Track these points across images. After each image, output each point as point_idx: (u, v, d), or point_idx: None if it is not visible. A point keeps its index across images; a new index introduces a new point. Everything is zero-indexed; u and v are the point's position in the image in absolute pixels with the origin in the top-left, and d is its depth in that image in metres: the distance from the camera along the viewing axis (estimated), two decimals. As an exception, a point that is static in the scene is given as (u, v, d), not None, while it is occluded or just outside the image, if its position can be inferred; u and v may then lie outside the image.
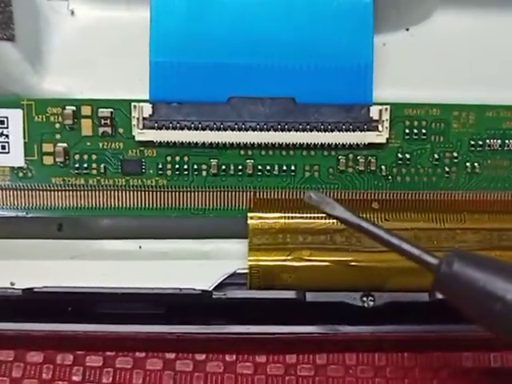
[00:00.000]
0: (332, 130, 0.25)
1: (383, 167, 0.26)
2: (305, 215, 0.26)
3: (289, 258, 0.25)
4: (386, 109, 0.25)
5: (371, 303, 0.24)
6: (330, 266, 0.25)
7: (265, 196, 0.26)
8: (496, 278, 0.19)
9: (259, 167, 0.26)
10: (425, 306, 0.25)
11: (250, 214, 0.25)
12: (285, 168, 0.26)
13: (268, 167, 0.26)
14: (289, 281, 0.25)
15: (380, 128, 0.25)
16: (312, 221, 0.25)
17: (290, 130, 0.25)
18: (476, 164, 0.26)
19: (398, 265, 0.24)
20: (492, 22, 0.27)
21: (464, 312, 0.20)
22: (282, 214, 0.26)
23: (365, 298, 0.24)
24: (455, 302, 0.20)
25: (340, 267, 0.25)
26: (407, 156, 0.26)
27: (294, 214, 0.26)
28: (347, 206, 0.22)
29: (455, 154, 0.26)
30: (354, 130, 0.25)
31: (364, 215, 0.24)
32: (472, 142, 0.26)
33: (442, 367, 0.26)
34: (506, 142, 0.26)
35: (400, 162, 0.26)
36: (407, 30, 0.27)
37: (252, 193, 0.26)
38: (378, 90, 0.26)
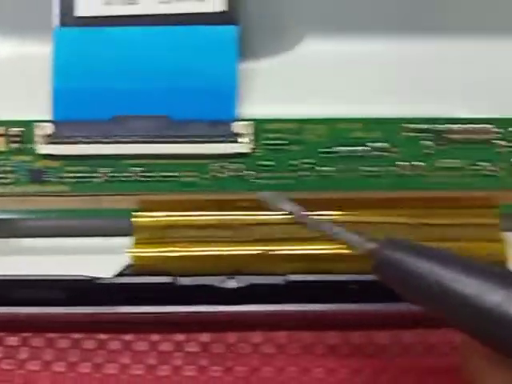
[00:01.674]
0: (202, 143, 0.31)
1: (250, 172, 0.32)
2: (184, 213, 0.32)
3: (166, 249, 0.31)
4: (249, 124, 0.31)
5: (235, 285, 0.31)
6: (201, 256, 0.31)
7: (150, 198, 0.32)
8: (429, 261, 0.23)
9: (144, 174, 0.32)
10: (280, 288, 0.30)
11: (134, 214, 0.32)
12: (166, 174, 0.32)
13: (151, 174, 0.32)
14: (164, 267, 0.31)
15: (244, 140, 0.31)
16: (189, 218, 0.32)
17: (165, 143, 0.31)
18: (329, 168, 0.32)
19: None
20: (352, 48, 0.34)
21: (401, 293, 0.24)
22: (165, 213, 0.32)
23: (229, 280, 0.31)
24: (391, 284, 0.24)
25: (209, 256, 0.31)
26: (269, 163, 0.32)
27: (174, 213, 0.32)
28: (294, 203, 0.28)
29: (310, 161, 0.32)
30: (220, 142, 0.31)
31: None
32: (325, 150, 0.32)
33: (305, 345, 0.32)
34: (354, 149, 0.32)
35: (264, 168, 0.32)
36: (276, 55, 0.34)
37: (139, 195, 0.32)
38: (247, 107, 0.32)
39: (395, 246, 0.24)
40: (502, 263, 0.30)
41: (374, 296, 0.30)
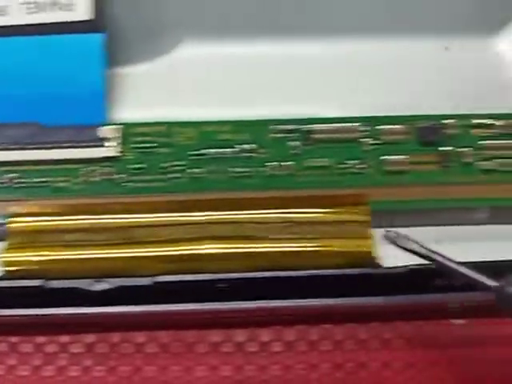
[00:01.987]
0: (72, 147, 0.33)
1: (121, 176, 0.33)
2: (57, 218, 0.33)
3: (37, 253, 0.32)
4: (116, 128, 0.33)
5: (101, 287, 0.32)
6: (70, 259, 0.32)
7: (24, 204, 0.33)
8: None
9: (17, 180, 0.33)
10: (148, 289, 0.32)
11: (8, 220, 0.33)
12: (38, 180, 0.33)
13: (25, 180, 0.33)
14: (37, 272, 0.32)
15: (111, 144, 0.33)
16: (61, 222, 0.33)
17: (37, 149, 0.33)
18: (199, 170, 0.34)
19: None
20: (224, 52, 0.35)
21: None
22: (37, 218, 0.33)
23: (97, 283, 0.32)
24: None
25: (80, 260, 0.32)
26: (140, 166, 0.33)
27: (47, 218, 0.33)
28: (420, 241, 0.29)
29: (181, 163, 0.33)
30: (89, 147, 0.33)
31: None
32: (193, 152, 0.33)
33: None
34: (223, 150, 0.34)
35: (134, 171, 0.33)
36: (156, 60, 0.35)
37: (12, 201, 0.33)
38: (118, 112, 0.34)
39: None
40: (372, 259, 0.32)
41: (244, 294, 0.32)
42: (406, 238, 0.29)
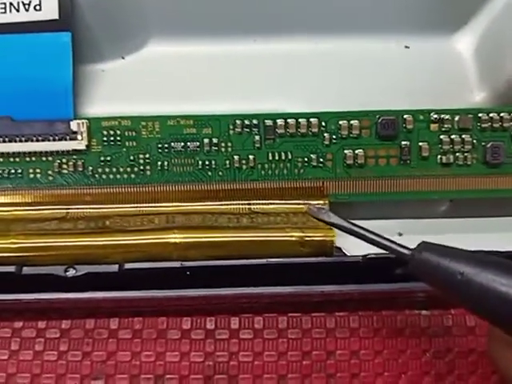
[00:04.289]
0: (43, 141, 0.37)
1: (90, 168, 0.38)
2: (32, 208, 0.37)
3: (8, 241, 0.36)
4: (83, 122, 0.37)
5: (73, 273, 0.36)
6: (43, 247, 0.36)
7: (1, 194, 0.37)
8: (456, 259, 0.29)
9: (-9, 172, 0.36)
10: (116, 275, 0.35)
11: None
12: (13, 171, 0.37)
13: (-1, 171, 0.37)
14: (9, 259, 0.35)
15: (79, 137, 0.37)
16: (37, 212, 0.37)
17: (10, 141, 0.37)
18: (165, 162, 0.38)
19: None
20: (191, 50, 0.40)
21: (433, 287, 0.30)
22: (10, 208, 0.37)
23: (69, 270, 0.36)
24: (426, 280, 0.30)
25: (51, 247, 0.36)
26: (108, 159, 0.38)
27: (19, 208, 0.37)
28: (340, 215, 0.33)
29: (147, 156, 0.38)
30: (59, 140, 0.37)
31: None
32: (159, 145, 0.38)
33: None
34: (188, 144, 0.38)
35: (102, 163, 0.38)
36: (123, 58, 0.40)
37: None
38: (86, 107, 0.38)
39: (429, 248, 0.30)
40: (331, 249, 0.36)
41: (210, 282, 0.35)
42: (328, 211, 0.33)
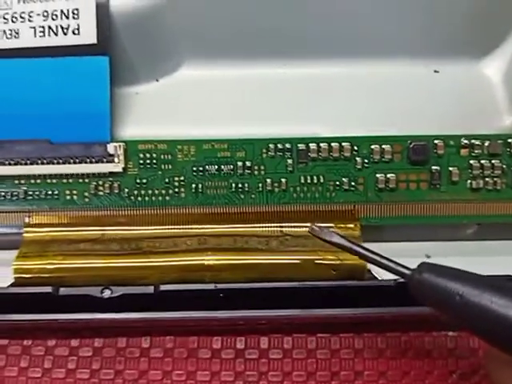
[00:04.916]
0: (80, 163, 0.38)
1: (126, 190, 0.39)
2: (68, 229, 0.38)
3: (46, 262, 0.37)
4: (120, 145, 0.38)
5: (108, 294, 0.37)
6: (79, 268, 0.37)
7: (36, 215, 0.38)
8: (455, 281, 0.29)
9: (30, 193, 0.38)
10: (151, 297, 0.37)
11: (22, 230, 0.38)
12: (50, 193, 0.38)
13: (37, 193, 0.38)
14: (46, 280, 0.37)
15: (116, 160, 0.38)
16: (73, 233, 0.38)
17: (47, 164, 0.38)
18: (200, 185, 0.39)
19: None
20: (226, 74, 0.41)
21: (432, 307, 0.30)
22: (49, 229, 0.38)
23: (105, 291, 0.37)
24: (425, 301, 0.30)
25: (88, 268, 0.37)
26: (144, 181, 0.39)
27: (59, 228, 0.38)
28: (341, 234, 0.33)
29: (182, 178, 0.39)
30: (96, 162, 0.38)
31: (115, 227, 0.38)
32: (194, 168, 0.39)
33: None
34: (222, 167, 0.39)
35: (138, 185, 0.39)
36: (157, 80, 0.41)
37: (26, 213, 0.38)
38: (122, 130, 0.39)
39: (429, 269, 0.30)
40: (363, 273, 0.36)
41: (243, 304, 0.36)
42: (330, 231, 0.33)
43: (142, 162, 0.38)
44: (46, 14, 0.38)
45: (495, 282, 0.29)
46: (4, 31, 0.38)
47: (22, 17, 0.38)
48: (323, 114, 0.40)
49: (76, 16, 0.37)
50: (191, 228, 0.38)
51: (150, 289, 0.36)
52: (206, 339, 0.38)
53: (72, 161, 0.37)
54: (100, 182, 0.38)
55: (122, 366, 0.37)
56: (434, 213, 0.39)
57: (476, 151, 0.39)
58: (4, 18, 0.38)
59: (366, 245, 0.35)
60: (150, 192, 0.38)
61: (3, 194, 0.38)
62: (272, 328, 0.37)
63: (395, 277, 0.34)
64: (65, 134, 0.37)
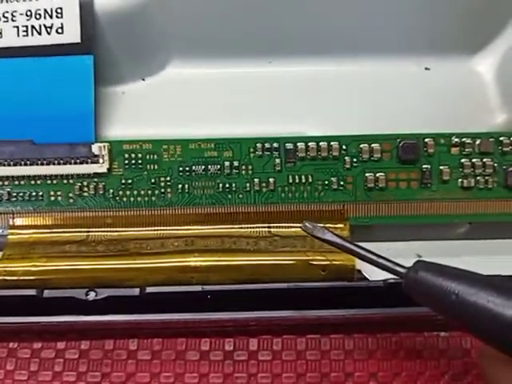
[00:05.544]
0: (64, 164, 0.38)
1: (111, 190, 0.38)
2: (53, 230, 0.38)
3: (29, 264, 0.37)
4: (105, 146, 0.37)
5: (93, 297, 0.37)
6: (63, 270, 0.37)
7: (19, 216, 0.38)
8: (451, 279, 0.29)
9: (14, 194, 0.38)
10: (137, 299, 0.36)
11: (6, 231, 0.38)
12: (34, 194, 0.38)
13: (21, 194, 0.38)
14: (31, 282, 0.36)
15: (101, 161, 0.38)
16: (58, 234, 0.38)
17: (31, 165, 0.38)
18: (186, 185, 0.39)
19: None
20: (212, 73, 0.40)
21: (428, 306, 0.30)
22: (32, 230, 0.38)
23: (90, 293, 0.37)
24: (420, 300, 0.30)
25: (72, 270, 0.37)
26: (129, 181, 0.38)
27: (43, 230, 0.37)
28: (334, 232, 0.33)
29: (168, 179, 0.38)
30: (81, 163, 0.38)
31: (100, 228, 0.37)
32: (180, 169, 0.38)
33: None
34: (209, 167, 0.39)
35: (123, 186, 0.38)
36: (143, 79, 0.40)
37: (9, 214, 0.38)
38: (106, 130, 0.39)
39: (425, 267, 0.30)
40: (353, 273, 0.36)
41: (229, 305, 0.36)
42: (322, 228, 0.33)
43: (127, 162, 0.38)
44: (29, 13, 0.37)
45: (492, 281, 0.29)
46: (-14, 31, 0.35)
47: (4, 16, 0.37)
48: (311, 113, 0.40)
49: (59, 15, 0.37)
50: (178, 229, 0.37)
51: (136, 291, 0.35)
52: (195, 341, 0.37)
53: (56, 162, 0.37)
54: (85, 183, 0.38)
55: (109, 368, 0.37)
56: (424, 212, 0.39)
57: (467, 149, 0.39)
58: (-13, 18, 0.36)
59: (356, 244, 0.34)
60: (135, 193, 0.38)
61: (-14, 195, 0.35)
62: (261, 329, 0.37)
63: (385, 277, 0.34)
64: (49, 134, 0.37)
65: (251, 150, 0.38)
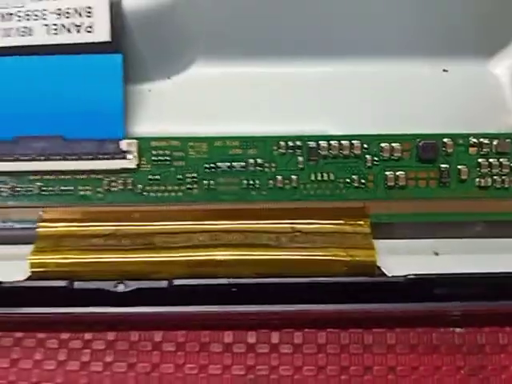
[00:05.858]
0: (93, 159, 0.39)
1: (139, 186, 0.39)
2: (82, 224, 0.39)
3: (60, 256, 0.38)
4: (134, 142, 0.38)
5: (122, 289, 0.38)
6: (93, 262, 0.38)
7: (50, 210, 0.39)
8: None
9: (45, 188, 0.39)
10: (165, 291, 0.37)
11: (37, 224, 0.39)
12: (65, 189, 0.39)
13: (52, 188, 0.39)
14: (61, 274, 0.37)
15: (130, 157, 0.39)
16: (87, 228, 0.39)
17: (61, 160, 0.39)
18: (211, 182, 0.40)
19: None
20: (237, 71, 0.41)
21: None
22: (63, 224, 0.39)
23: (119, 285, 0.38)
24: None
25: (101, 263, 0.38)
26: (157, 177, 0.39)
27: (72, 224, 0.38)
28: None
29: (194, 175, 0.40)
30: (110, 159, 0.39)
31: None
32: (206, 165, 0.39)
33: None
34: (233, 164, 0.40)
35: (151, 182, 0.39)
36: (169, 78, 0.41)
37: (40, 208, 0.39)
38: (135, 127, 0.40)
39: None
40: (373, 269, 0.37)
41: (253, 299, 0.37)
42: None
43: (154, 158, 0.38)
44: (59, 11, 0.38)
45: None
46: (17, 29, 0.38)
47: (35, 14, 0.38)
48: (334, 113, 0.41)
49: (89, 14, 0.38)
50: (203, 224, 0.38)
51: (164, 283, 0.36)
52: (218, 333, 0.38)
53: (85, 157, 0.37)
54: (113, 178, 0.38)
55: (135, 359, 0.38)
56: (442, 210, 0.39)
57: (484, 150, 0.39)
58: (17, 16, 0.38)
59: (375, 242, 0.37)
60: (162, 188, 0.39)
61: (18, 189, 0.38)
62: (283, 323, 0.38)
63: (405, 273, 0.35)
64: (78, 130, 0.38)
65: (275, 147, 0.39)
